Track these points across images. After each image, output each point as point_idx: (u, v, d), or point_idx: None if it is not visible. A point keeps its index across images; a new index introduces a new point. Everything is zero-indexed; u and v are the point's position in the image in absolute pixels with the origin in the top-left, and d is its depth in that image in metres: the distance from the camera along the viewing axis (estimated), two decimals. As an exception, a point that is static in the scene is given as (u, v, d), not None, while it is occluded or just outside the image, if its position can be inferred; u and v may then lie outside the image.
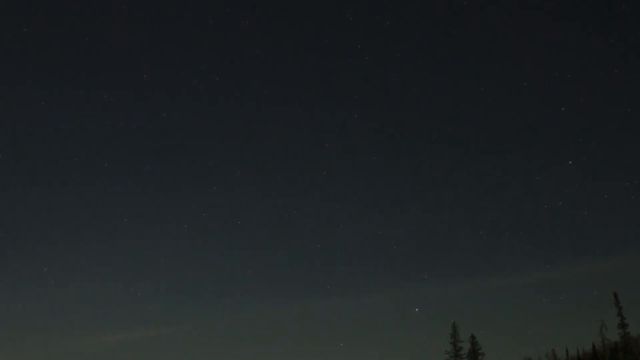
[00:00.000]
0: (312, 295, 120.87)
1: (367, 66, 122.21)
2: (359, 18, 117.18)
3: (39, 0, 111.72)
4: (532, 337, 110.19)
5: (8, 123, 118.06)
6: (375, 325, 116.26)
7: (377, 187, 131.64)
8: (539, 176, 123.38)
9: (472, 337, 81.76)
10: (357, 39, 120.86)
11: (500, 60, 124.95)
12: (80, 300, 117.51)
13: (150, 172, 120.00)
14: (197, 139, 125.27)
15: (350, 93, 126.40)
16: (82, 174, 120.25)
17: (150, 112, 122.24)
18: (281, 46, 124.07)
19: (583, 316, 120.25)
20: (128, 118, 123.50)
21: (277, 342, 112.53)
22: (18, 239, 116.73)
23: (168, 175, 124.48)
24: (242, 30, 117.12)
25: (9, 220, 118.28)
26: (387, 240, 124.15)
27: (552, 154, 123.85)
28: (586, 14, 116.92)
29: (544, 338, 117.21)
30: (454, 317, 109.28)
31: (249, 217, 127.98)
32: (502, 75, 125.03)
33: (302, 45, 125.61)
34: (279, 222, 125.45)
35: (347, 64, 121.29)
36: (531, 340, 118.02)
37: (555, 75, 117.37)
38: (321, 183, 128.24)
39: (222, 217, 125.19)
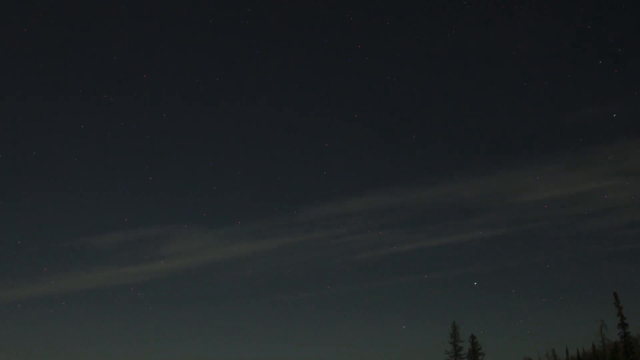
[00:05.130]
0: (312, 295, 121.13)
1: (367, 66, 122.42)
2: (359, 18, 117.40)
3: (39, 0, 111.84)
4: (532, 337, 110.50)
5: (8, 123, 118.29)
6: (376, 325, 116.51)
7: (376, 187, 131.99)
8: (538, 176, 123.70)
9: (472, 337, 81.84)
10: (357, 39, 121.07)
11: (500, 60, 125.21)
12: (80, 302, 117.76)
13: (150, 172, 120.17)
14: (197, 139, 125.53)
15: (350, 93, 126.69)
16: (82, 174, 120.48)
17: (150, 112, 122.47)
18: (281, 46, 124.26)
19: (583, 316, 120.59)
20: (128, 118, 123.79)
21: (277, 342, 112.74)
22: (18, 239, 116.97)
23: (168, 175, 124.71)
24: (242, 30, 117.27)
25: (9, 220, 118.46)
26: (387, 240, 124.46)
27: (552, 154, 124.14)
28: (586, 14, 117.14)
29: (544, 338, 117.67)
30: (454, 317, 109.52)
31: (248, 216, 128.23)
32: (502, 75, 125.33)
33: (302, 45, 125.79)
34: (279, 222, 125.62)
35: (347, 64, 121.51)
36: (531, 340, 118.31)
37: (556, 75, 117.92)
38: (321, 183, 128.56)
39: (222, 217, 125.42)
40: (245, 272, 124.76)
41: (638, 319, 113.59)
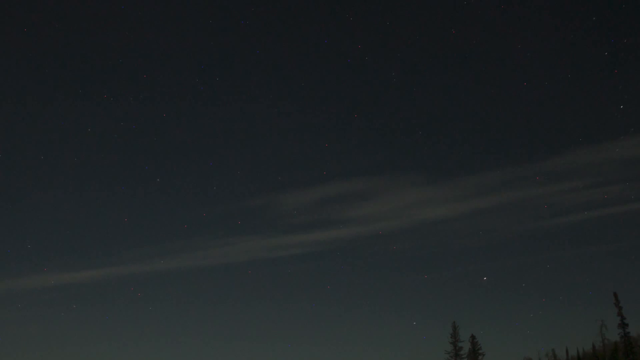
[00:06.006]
0: (312, 295, 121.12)
1: (367, 66, 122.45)
2: (359, 18, 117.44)
3: (39, 0, 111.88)
4: (532, 337, 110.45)
5: (8, 123, 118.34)
6: (376, 325, 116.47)
7: (376, 187, 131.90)
8: (539, 176, 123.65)
9: (472, 337, 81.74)
10: (357, 39, 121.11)
11: (500, 60, 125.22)
12: (80, 302, 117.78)
13: (150, 172, 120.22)
14: (197, 139, 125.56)
15: (350, 93, 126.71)
16: (82, 174, 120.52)
17: (150, 112, 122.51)
18: (281, 46, 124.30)
19: (583, 316, 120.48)
20: (128, 118, 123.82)
21: (277, 342, 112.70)
22: (18, 239, 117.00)
23: (168, 175, 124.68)
24: (242, 30, 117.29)
25: (9, 220, 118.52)
26: (387, 240, 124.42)
27: (552, 153, 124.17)
28: (586, 14, 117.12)
29: (544, 338, 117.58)
30: (454, 317, 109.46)
31: (248, 216, 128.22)
32: (502, 75, 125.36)
33: (302, 45, 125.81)
34: (279, 222, 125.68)
35: (347, 64, 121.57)
36: (531, 340, 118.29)
37: (555, 75, 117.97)
38: (321, 183, 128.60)
39: (222, 217, 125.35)
40: (246, 272, 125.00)
41: (638, 319, 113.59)
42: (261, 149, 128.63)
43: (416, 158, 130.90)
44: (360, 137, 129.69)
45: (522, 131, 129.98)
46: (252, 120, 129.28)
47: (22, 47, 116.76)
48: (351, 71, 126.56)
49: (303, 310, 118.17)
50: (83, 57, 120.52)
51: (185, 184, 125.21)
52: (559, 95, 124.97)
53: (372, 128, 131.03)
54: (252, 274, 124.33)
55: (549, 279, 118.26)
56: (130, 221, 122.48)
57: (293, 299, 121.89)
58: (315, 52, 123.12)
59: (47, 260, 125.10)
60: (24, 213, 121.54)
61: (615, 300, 74.08)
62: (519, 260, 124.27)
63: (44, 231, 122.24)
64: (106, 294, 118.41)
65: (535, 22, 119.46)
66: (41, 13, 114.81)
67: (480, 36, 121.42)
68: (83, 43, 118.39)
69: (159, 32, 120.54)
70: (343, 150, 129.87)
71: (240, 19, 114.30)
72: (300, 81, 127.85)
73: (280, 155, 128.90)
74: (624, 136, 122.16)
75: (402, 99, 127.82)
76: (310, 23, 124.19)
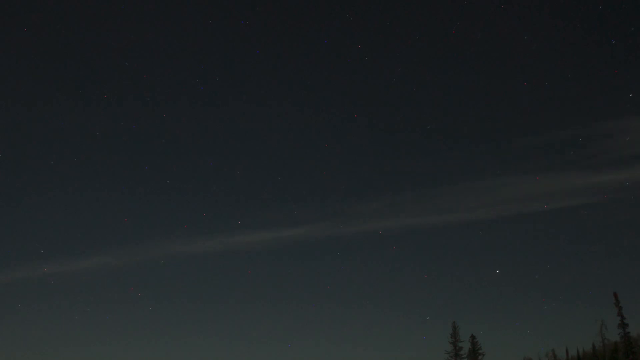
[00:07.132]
0: (312, 295, 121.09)
1: (367, 66, 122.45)
2: (359, 18, 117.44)
3: (39, 0, 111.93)
4: (532, 337, 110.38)
5: (8, 123, 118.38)
6: (375, 325, 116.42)
7: (377, 187, 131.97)
8: (538, 176, 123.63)
9: (472, 337, 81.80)
10: (357, 39, 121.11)
11: (500, 60, 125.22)
12: (80, 302, 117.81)
13: (150, 172, 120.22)
14: (197, 139, 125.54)
15: (350, 93, 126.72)
16: (82, 174, 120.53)
17: (150, 112, 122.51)
18: (281, 46, 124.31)
19: (583, 316, 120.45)
20: (128, 118, 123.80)
21: (277, 342, 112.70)
22: (18, 239, 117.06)
23: (168, 175, 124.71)
24: (242, 30, 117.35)
25: (9, 221, 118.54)
26: (387, 240, 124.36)
27: (553, 153, 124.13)
28: (586, 14, 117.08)
29: (544, 338, 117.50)
30: (454, 317, 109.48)
31: (248, 217, 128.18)
32: (502, 75, 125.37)
33: (302, 45, 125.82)
34: (279, 221, 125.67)
35: (347, 64, 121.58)
36: (531, 340, 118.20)
37: (555, 75, 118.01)
38: (321, 183, 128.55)
39: (222, 217, 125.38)
40: (246, 272, 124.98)
41: (638, 319, 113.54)
42: (261, 149, 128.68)
43: (415, 159, 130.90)
44: (360, 137, 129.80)
45: (522, 131, 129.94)
46: (252, 120, 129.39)
47: (22, 47, 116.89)
48: (351, 71, 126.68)
49: (303, 310, 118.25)
50: (83, 57, 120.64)
51: (185, 184, 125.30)
52: (558, 95, 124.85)
53: (372, 127, 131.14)
54: (253, 273, 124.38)
55: (548, 279, 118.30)
56: (130, 221, 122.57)
57: (293, 299, 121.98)
58: (315, 52, 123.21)
59: (47, 260, 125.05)
60: (24, 213, 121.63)
61: (615, 300, 74.07)
62: (519, 260, 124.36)
63: (43, 231, 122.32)
64: (106, 294, 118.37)
65: (535, 22, 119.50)
66: (41, 13, 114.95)
67: (480, 36, 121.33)
68: (83, 43, 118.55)
69: (159, 32, 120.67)
70: (344, 150, 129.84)
71: (240, 19, 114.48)
72: (300, 81, 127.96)
73: (280, 155, 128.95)
74: (624, 136, 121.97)
75: (403, 99, 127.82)
76: (310, 23, 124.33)
